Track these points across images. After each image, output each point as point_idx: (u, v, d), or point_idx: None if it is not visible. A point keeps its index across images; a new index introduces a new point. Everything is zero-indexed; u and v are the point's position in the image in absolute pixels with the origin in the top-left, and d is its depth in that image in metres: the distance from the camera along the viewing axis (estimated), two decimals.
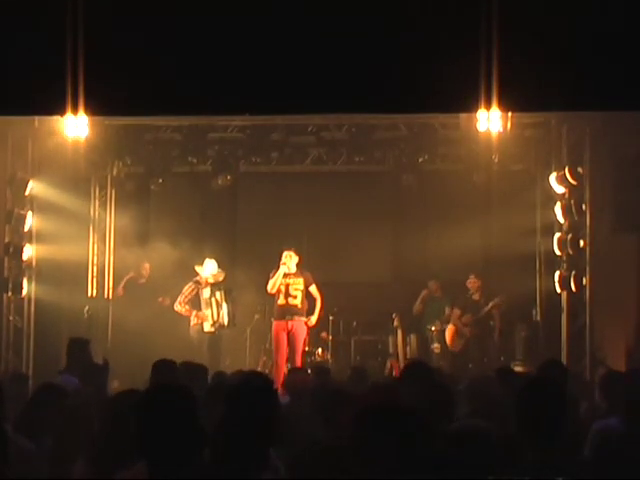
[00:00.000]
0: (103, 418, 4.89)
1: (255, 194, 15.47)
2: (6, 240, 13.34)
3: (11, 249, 13.29)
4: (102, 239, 15.48)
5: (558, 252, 13.31)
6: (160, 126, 14.33)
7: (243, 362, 13.50)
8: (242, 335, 14.23)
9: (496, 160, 13.94)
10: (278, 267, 12.70)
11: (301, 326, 12.66)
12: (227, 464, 3.69)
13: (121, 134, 14.39)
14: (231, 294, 13.49)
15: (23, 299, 13.49)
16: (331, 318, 14.29)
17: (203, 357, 12.88)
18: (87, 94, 7.10)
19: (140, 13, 7.05)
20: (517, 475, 3.79)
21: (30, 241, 13.55)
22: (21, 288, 13.29)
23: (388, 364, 14.10)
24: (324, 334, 14.27)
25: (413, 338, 14.32)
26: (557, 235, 13.37)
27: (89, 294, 15.12)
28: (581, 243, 13.01)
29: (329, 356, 14.08)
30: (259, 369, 12.77)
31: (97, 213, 15.43)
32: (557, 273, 13.30)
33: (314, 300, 12.82)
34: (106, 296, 15.31)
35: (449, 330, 13.86)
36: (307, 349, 13.63)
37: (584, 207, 12.93)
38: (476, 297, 13.69)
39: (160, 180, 14.96)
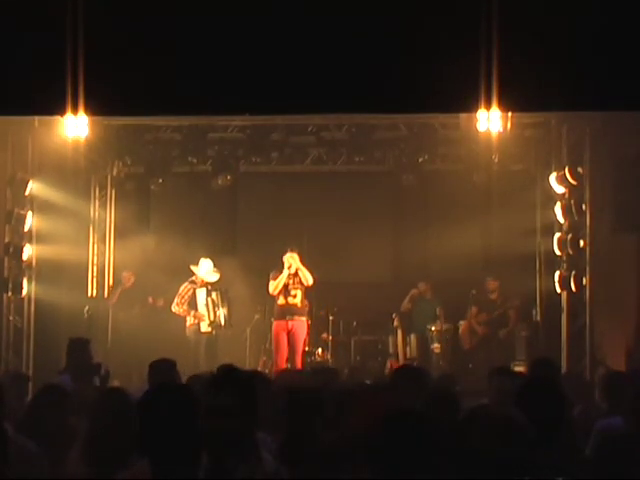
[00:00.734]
0: (91, 417, 4.90)
1: (255, 194, 15.47)
2: (6, 240, 13.34)
3: (11, 249, 13.29)
4: (102, 239, 15.48)
5: (558, 252, 13.31)
6: (160, 126, 14.32)
7: (243, 362, 13.49)
8: (242, 335, 14.23)
9: (496, 160, 13.94)
10: (280, 269, 12.66)
11: (301, 326, 12.65)
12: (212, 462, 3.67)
13: (121, 134, 14.39)
14: (227, 295, 13.49)
15: (23, 299, 13.49)
16: (331, 318, 14.28)
17: (200, 357, 12.92)
18: (87, 94, 7.11)
19: (140, 13, 7.05)
20: (517, 475, 3.78)
21: (30, 241, 13.54)
22: (21, 288, 13.29)
23: (388, 364, 14.09)
24: (325, 335, 14.26)
25: (413, 338, 14.31)
26: (557, 235, 13.37)
27: (89, 294, 15.13)
28: (581, 243, 13.01)
29: (329, 356, 14.07)
30: (259, 369, 12.76)
31: (97, 213, 15.43)
32: (557, 273, 13.30)
33: (305, 286, 12.70)
34: (106, 296, 15.32)
35: (463, 327, 13.87)
36: (307, 349, 13.62)
37: (584, 207, 12.93)
38: (493, 297, 13.70)
39: (160, 180, 14.96)
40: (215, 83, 7.29)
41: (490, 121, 11.63)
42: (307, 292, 12.95)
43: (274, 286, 12.62)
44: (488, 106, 7.34)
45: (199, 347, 13.14)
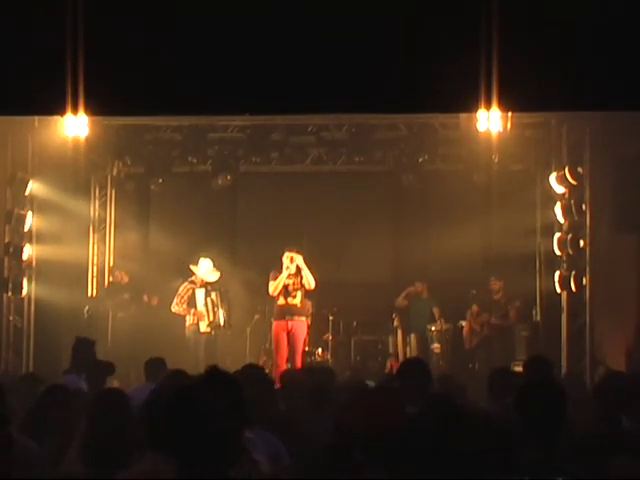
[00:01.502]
0: (89, 416, 4.90)
1: (255, 194, 15.47)
2: (6, 240, 13.35)
3: (11, 249, 13.29)
4: (102, 239, 15.48)
5: (558, 252, 13.31)
6: (160, 126, 14.33)
7: (243, 362, 13.41)
8: (242, 335, 14.23)
9: (496, 160, 13.94)
10: (279, 269, 12.63)
11: (301, 326, 12.62)
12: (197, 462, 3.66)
13: (121, 134, 14.40)
14: (226, 295, 13.48)
15: (23, 299, 13.49)
16: (331, 318, 14.28)
17: (199, 357, 12.92)
18: (87, 94, 7.11)
19: (140, 13, 7.05)
20: (517, 475, 3.78)
21: (30, 241, 13.54)
22: (21, 288, 13.29)
23: (388, 364, 14.10)
24: (325, 335, 14.25)
25: (413, 338, 14.31)
26: (557, 235, 13.37)
27: (89, 294, 15.13)
28: (581, 243, 13.01)
29: (329, 356, 14.07)
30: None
31: (97, 213, 15.43)
32: (557, 273, 13.30)
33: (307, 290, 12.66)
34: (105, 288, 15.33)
35: (466, 327, 13.84)
36: (307, 349, 13.62)
37: (584, 207, 12.93)
38: (497, 297, 13.67)
39: (160, 180, 14.97)
40: (215, 83, 7.29)
41: (490, 121, 11.64)
42: (308, 292, 12.94)
43: (274, 287, 12.58)
44: (488, 106, 7.34)
45: (198, 347, 13.13)
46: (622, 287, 12.94)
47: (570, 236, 13.04)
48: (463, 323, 14.11)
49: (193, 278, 13.45)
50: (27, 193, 13.50)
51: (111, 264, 15.44)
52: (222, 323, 13.36)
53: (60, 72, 7.00)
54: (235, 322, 13.67)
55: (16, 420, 5.47)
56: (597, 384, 6.27)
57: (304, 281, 12.48)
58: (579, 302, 13.02)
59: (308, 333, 13.20)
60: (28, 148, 13.49)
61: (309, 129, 14.40)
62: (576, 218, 12.98)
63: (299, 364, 12.26)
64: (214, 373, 4.03)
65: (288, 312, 12.53)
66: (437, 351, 13.90)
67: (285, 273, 12.50)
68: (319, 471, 4.02)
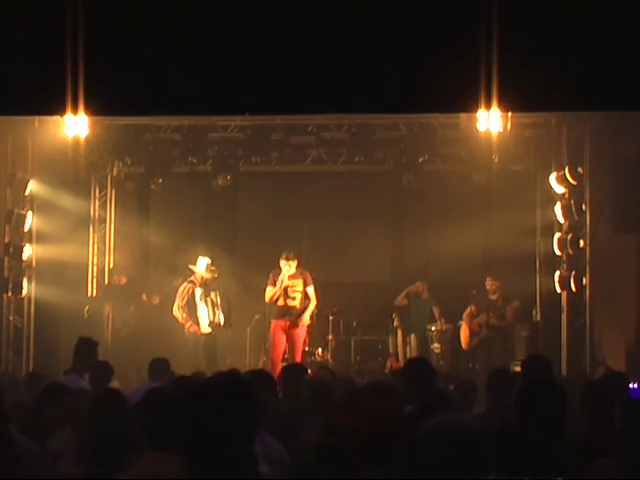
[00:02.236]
0: (88, 417, 4.90)
1: (255, 194, 15.46)
2: (6, 240, 13.35)
3: (11, 249, 13.30)
4: (102, 239, 15.48)
5: (558, 252, 13.31)
6: (160, 126, 14.32)
7: (243, 362, 13.49)
8: (242, 335, 14.22)
9: (496, 160, 13.93)
10: (278, 272, 12.61)
11: (300, 325, 12.62)
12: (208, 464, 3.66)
13: (121, 134, 14.40)
14: (225, 294, 13.47)
15: (23, 299, 13.50)
16: (331, 318, 14.26)
17: (199, 357, 12.92)
18: (87, 94, 7.11)
19: (140, 13, 7.05)
20: (517, 475, 3.79)
21: (30, 241, 13.55)
22: (21, 288, 13.30)
23: (388, 364, 14.09)
24: (329, 337, 14.23)
25: (413, 338, 14.29)
26: (557, 235, 13.37)
27: (89, 294, 15.13)
28: (581, 243, 13.02)
29: (329, 356, 14.06)
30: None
31: (97, 213, 15.44)
32: (557, 273, 13.30)
33: (309, 301, 12.76)
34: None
35: (463, 328, 13.79)
36: (307, 349, 13.61)
37: (584, 207, 12.94)
38: (494, 298, 13.62)
39: (160, 180, 14.96)
40: (215, 83, 7.29)
41: (490, 121, 11.66)
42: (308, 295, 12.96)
43: (269, 296, 12.62)
44: (488, 106, 7.35)
45: (198, 347, 13.13)
46: (622, 287, 12.96)
47: (570, 236, 13.04)
48: (461, 323, 14.08)
49: (192, 278, 13.44)
50: (27, 193, 13.51)
51: (111, 264, 15.45)
52: (222, 322, 13.36)
53: (60, 72, 7.00)
54: (235, 322, 13.66)
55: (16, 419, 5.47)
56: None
57: (310, 297, 12.60)
58: (579, 302, 13.02)
59: (308, 332, 13.20)
60: (28, 148, 13.50)
61: (309, 129, 14.40)
62: (576, 218, 12.98)
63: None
64: (229, 375, 4.04)
65: (288, 313, 12.56)
66: (437, 351, 13.88)
67: (280, 284, 12.52)
68: (316, 471, 4.02)
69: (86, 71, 7.00)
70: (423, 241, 14.94)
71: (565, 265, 13.17)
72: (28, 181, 13.46)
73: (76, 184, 14.36)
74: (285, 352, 12.63)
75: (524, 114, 12.01)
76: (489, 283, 13.57)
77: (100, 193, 15.50)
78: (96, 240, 15.40)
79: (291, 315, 12.56)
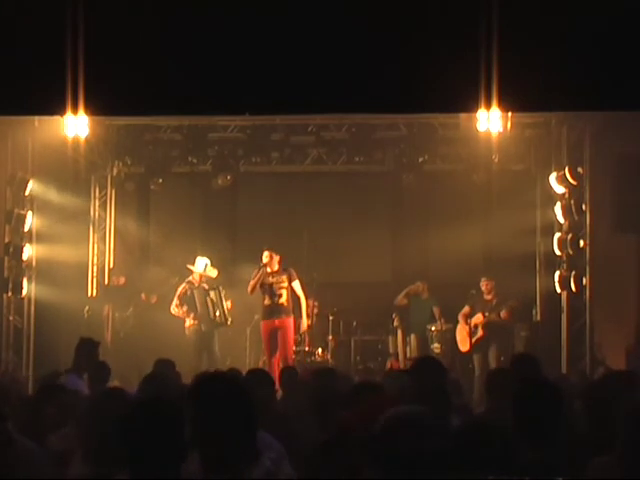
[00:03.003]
0: (93, 417, 4.89)
1: (255, 194, 15.46)
2: (6, 240, 13.35)
3: (11, 249, 13.30)
4: (102, 239, 15.48)
5: (558, 252, 13.31)
6: (160, 126, 14.33)
7: (243, 362, 13.49)
8: (242, 335, 14.22)
9: (496, 160, 13.94)
10: (259, 268, 12.58)
11: (288, 324, 12.57)
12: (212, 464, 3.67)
13: (121, 134, 14.41)
14: (223, 293, 13.47)
15: (23, 299, 13.50)
16: (331, 318, 14.26)
17: (200, 357, 12.93)
18: (87, 94, 7.11)
19: (140, 13, 7.05)
20: (517, 475, 3.78)
21: (30, 241, 13.55)
22: (21, 288, 13.30)
23: (388, 364, 14.09)
24: (329, 337, 14.22)
25: (413, 338, 14.29)
26: (557, 235, 13.37)
27: (89, 294, 15.13)
28: (581, 243, 13.02)
29: (329, 356, 14.06)
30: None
31: (97, 213, 15.44)
32: (557, 273, 13.30)
33: (298, 299, 12.71)
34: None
35: (459, 329, 13.76)
36: (307, 349, 13.61)
37: (584, 207, 12.94)
38: (488, 298, 13.59)
39: (160, 180, 14.97)
40: (215, 83, 7.29)
41: (490, 121, 11.66)
42: (308, 292, 12.94)
43: (251, 286, 12.55)
44: (488, 106, 7.35)
45: (199, 347, 13.14)
46: (622, 287, 12.96)
47: (570, 236, 13.04)
48: (457, 326, 14.04)
49: (190, 278, 13.46)
50: (27, 193, 13.50)
51: (111, 264, 15.45)
52: (223, 321, 13.38)
53: (60, 72, 7.00)
54: (235, 322, 13.67)
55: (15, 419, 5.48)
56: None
57: (297, 293, 12.56)
58: (579, 302, 13.02)
59: (308, 333, 13.20)
60: (28, 148, 13.49)
61: (309, 129, 14.41)
62: (576, 218, 12.98)
63: (290, 362, 12.21)
64: (221, 374, 4.04)
65: (275, 311, 12.49)
66: (437, 351, 13.87)
67: (261, 272, 12.44)
68: (318, 471, 4.02)
69: (86, 71, 6.99)
70: (423, 241, 14.94)
71: (565, 265, 13.17)
72: (28, 181, 13.45)
73: (76, 184, 14.37)
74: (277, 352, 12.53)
75: (524, 114, 12.01)
76: (484, 283, 13.55)
77: (100, 193, 15.50)
78: (96, 240, 15.40)
79: (279, 314, 12.47)
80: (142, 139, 14.63)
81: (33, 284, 13.55)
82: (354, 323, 14.69)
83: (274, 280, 12.51)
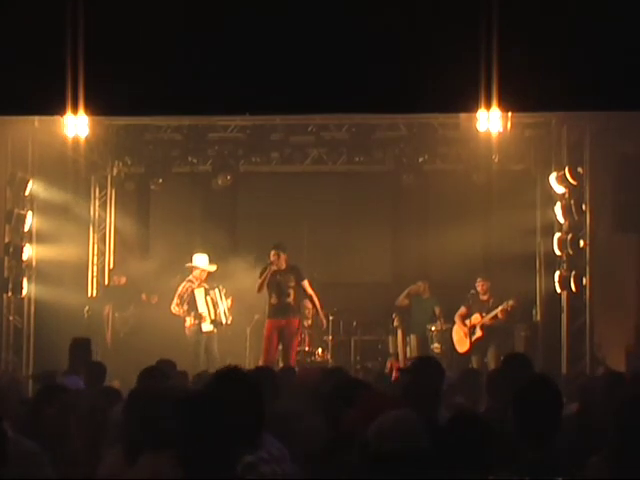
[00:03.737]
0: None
1: (255, 194, 15.47)
2: (6, 240, 13.34)
3: (11, 249, 13.29)
4: (102, 239, 15.50)
5: (558, 252, 13.31)
6: (160, 126, 14.33)
7: (243, 362, 13.50)
8: (242, 335, 14.23)
9: (496, 160, 13.94)
10: (266, 267, 12.54)
11: (294, 325, 12.52)
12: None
13: (121, 134, 14.41)
14: (225, 292, 13.46)
15: (23, 299, 13.49)
16: (331, 318, 14.27)
17: (200, 357, 12.93)
18: (87, 94, 7.10)
19: (140, 13, 7.05)
20: (517, 475, 3.79)
21: (30, 241, 13.55)
22: (21, 288, 13.29)
23: (388, 364, 14.09)
24: (329, 337, 14.21)
25: (413, 338, 14.30)
26: (557, 235, 13.37)
27: (89, 294, 15.13)
28: (581, 243, 13.02)
29: (329, 356, 14.07)
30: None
31: (97, 213, 15.45)
32: (557, 273, 13.30)
33: (310, 298, 12.64)
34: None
35: (455, 330, 13.73)
36: (307, 349, 13.61)
37: (584, 207, 12.94)
38: (484, 298, 13.58)
39: (160, 180, 14.98)
40: (215, 83, 7.29)
41: (490, 121, 11.65)
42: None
43: (258, 285, 12.49)
44: (488, 106, 7.35)
45: (199, 347, 13.14)
46: (622, 287, 12.95)
47: (570, 236, 13.04)
48: (454, 327, 14.01)
49: (191, 277, 13.46)
50: (27, 193, 13.50)
51: (111, 264, 15.45)
52: (224, 320, 13.38)
53: (60, 72, 7.00)
54: (235, 322, 13.67)
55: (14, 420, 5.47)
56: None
57: (308, 292, 12.49)
58: (579, 302, 13.02)
59: (308, 333, 13.19)
60: (28, 148, 13.49)
61: (309, 129, 14.41)
62: (576, 218, 12.98)
63: (293, 362, 12.19)
64: (228, 372, 4.05)
65: (282, 311, 12.41)
66: (437, 351, 13.87)
67: (268, 270, 12.38)
68: (319, 471, 4.02)
69: (86, 71, 6.99)
70: (423, 241, 14.95)
71: (565, 265, 13.17)
72: (28, 181, 13.45)
73: (76, 184, 14.38)
74: (278, 353, 12.48)
75: (524, 114, 12.01)
76: (479, 284, 13.54)
77: (100, 193, 15.51)
78: (96, 240, 15.41)
79: (287, 313, 12.39)
80: (142, 139, 14.64)
81: (33, 284, 13.54)
82: (354, 323, 14.70)
83: (282, 279, 12.42)
